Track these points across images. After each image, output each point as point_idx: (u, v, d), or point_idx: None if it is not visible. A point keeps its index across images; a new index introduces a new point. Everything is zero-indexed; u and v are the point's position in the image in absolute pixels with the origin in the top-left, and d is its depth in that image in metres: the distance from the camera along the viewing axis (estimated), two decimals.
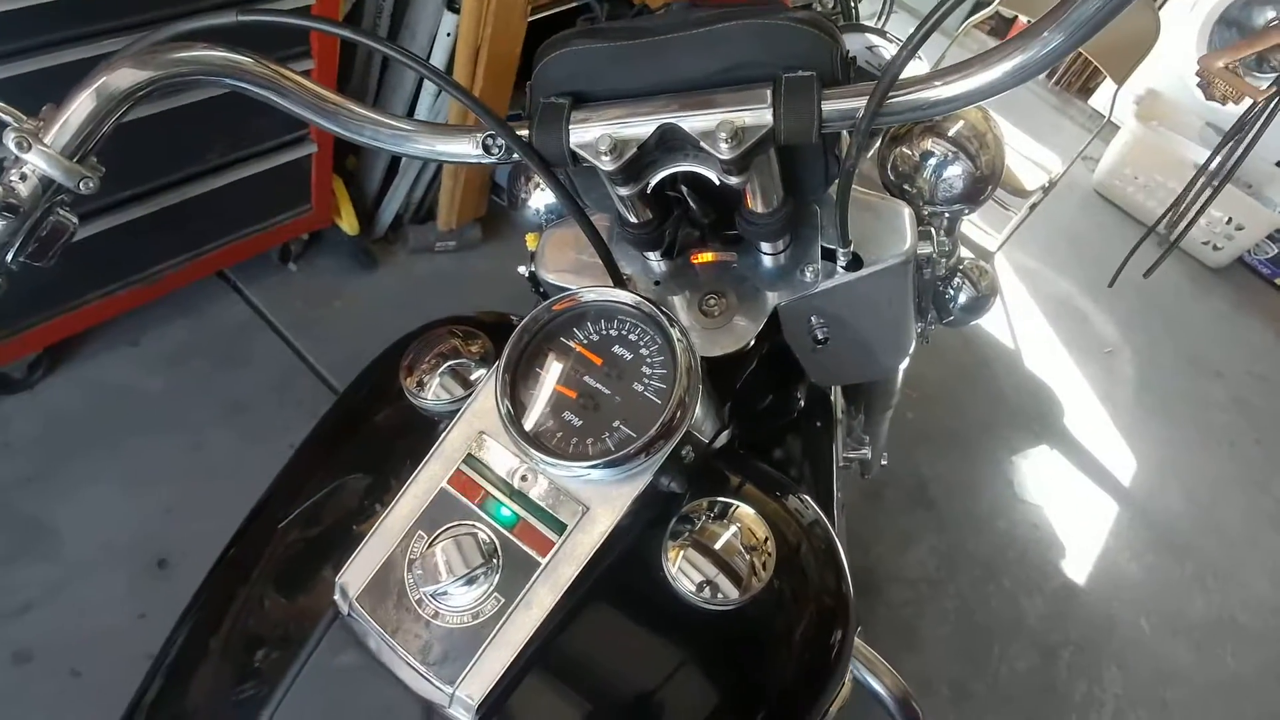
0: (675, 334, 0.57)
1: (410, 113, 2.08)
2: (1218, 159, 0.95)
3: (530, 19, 1.91)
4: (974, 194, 0.85)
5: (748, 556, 0.58)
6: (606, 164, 0.56)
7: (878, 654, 0.82)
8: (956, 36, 2.76)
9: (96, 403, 1.77)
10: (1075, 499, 2.45)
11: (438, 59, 1.97)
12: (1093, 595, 2.22)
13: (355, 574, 0.57)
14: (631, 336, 0.60)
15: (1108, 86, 3.68)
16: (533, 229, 0.85)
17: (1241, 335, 3.34)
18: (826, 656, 0.62)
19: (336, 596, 0.57)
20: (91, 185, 0.54)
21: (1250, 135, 0.90)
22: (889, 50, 1.48)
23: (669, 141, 0.57)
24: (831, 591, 0.63)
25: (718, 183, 0.58)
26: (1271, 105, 0.84)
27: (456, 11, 1.91)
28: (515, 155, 0.59)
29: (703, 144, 0.54)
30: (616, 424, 0.57)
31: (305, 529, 0.65)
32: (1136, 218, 3.65)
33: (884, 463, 1.56)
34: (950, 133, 0.84)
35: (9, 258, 0.52)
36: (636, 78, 0.57)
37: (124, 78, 0.53)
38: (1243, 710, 2.10)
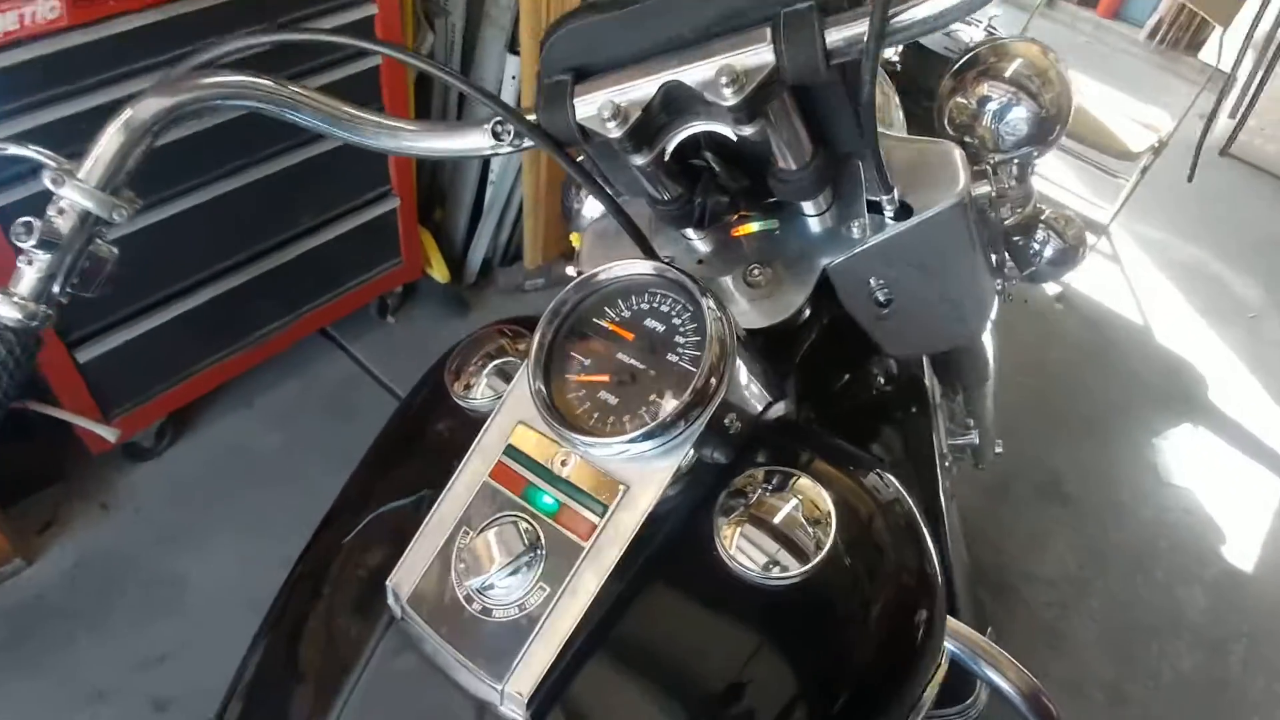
0: (704, 300, 0.54)
1: None
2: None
3: None
4: (1042, 134, 0.79)
5: (811, 530, 0.54)
6: (613, 130, 0.54)
7: (1004, 650, 0.76)
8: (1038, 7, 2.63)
9: (218, 464, 1.88)
10: (1231, 478, 2.23)
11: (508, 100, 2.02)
12: (1263, 582, 2.00)
13: (405, 576, 0.56)
14: (663, 309, 0.58)
15: (1215, 40, 3.42)
16: None
17: None
18: (910, 636, 0.57)
19: (390, 600, 0.57)
20: (124, 214, 0.56)
21: None
22: (966, 32, 1.42)
23: (675, 102, 0.55)
24: (911, 569, 0.58)
25: (735, 138, 0.56)
26: None
27: (518, 54, 1.96)
28: (527, 141, 0.58)
29: (706, 95, 0.52)
30: (652, 398, 0.54)
31: (363, 539, 0.65)
32: (1270, 170, 3.36)
33: (999, 450, 1.46)
34: (1007, 73, 0.79)
35: (55, 289, 0.55)
36: (635, 43, 0.55)
37: (147, 109, 0.56)
38: None
